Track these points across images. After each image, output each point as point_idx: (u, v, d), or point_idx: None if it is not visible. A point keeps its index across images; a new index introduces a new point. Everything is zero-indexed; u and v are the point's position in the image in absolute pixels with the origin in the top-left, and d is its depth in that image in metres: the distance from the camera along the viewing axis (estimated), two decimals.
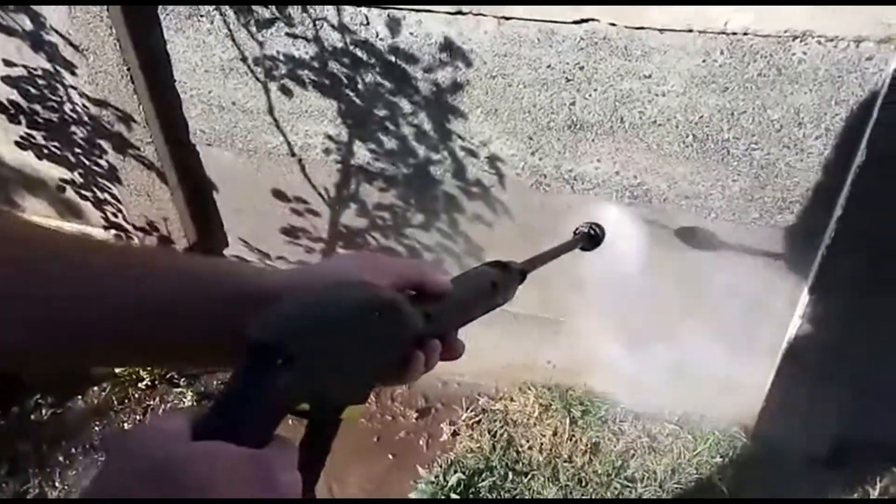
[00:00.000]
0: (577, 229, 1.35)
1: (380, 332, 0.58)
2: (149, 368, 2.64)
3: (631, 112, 1.75)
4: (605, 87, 1.73)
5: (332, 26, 1.85)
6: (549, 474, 2.34)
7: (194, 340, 0.61)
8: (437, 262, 2.29)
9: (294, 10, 1.85)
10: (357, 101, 1.98)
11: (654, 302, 2.14)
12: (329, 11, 1.82)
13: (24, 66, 2.23)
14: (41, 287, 0.56)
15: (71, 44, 2.11)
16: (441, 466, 2.41)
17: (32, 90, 2.29)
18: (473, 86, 1.84)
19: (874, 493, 2.19)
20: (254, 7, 1.88)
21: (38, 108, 2.34)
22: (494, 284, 0.78)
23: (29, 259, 0.56)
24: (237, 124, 2.17)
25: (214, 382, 2.75)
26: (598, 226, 1.33)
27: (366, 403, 0.59)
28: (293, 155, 2.18)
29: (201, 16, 1.95)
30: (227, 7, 1.91)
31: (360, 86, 1.94)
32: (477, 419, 2.56)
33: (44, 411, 2.67)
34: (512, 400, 2.58)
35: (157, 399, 2.71)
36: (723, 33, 1.56)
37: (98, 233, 2.69)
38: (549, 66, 1.74)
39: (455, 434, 2.54)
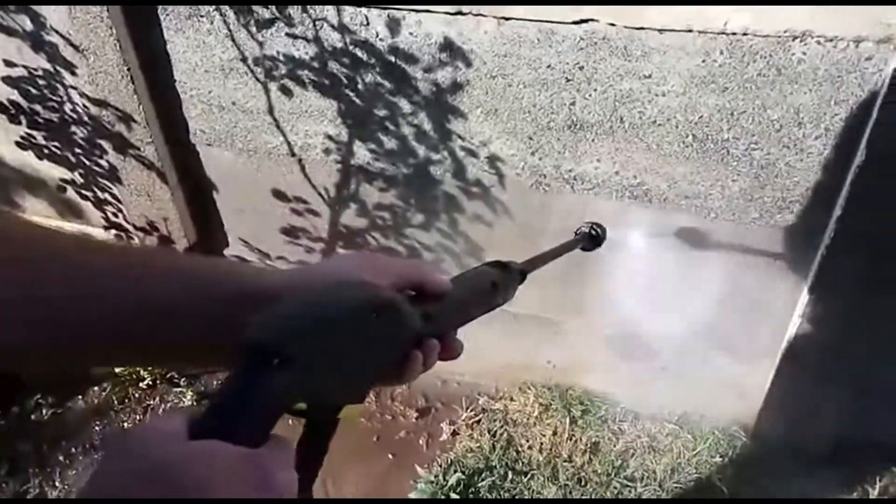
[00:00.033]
0: (578, 229, 1.35)
1: (378, 332, 0.58)
2: (149, 368, 2.64)
3: (631, 112, 1.75)
4: (604, 87, 1.73)
5: (332, 26, 1.85)
6: (548, 474, 2.34)
7: (194, 340, 0.61)
8: (437, 262, 2.30)
9: (294, 11, 1.86)
10: (357, 101, 1.98)
11: (654, 301, 2.14)
12: (329, 11, 1.82)
13: (25, 67, 2.23)
14: (41, 287, 0.56)
15: (71, 44, 2.11)
16: (441, 466, 2.41)
17: (33, 90, 2.29)
18: (473, 86, 1.85)
19: (873, 493, 2.19)
20: (254, 7, 1.89)
21: (38, 108, 2.34)
22: (494, 284, 0.78)
23: (29, 259, 0.56)
24: (237, 124, 2.17)
25: (214, 382, 2.75)
26: (600, 226, 1.33)
27: (364, 403, 0.59)
28: (293, 155, 2.18)
29: (201, 16, 1.95)
30: (227, 7, 1.91)
31: (360, 86, 1.95)
32: (477, 419, 2.57)
33: (44, 411, 2.67)
34: (512, 400, 2.58)
35: (158, 399, 2.71)
36: (722, 33, 1.56)
37: (98, 233, 2.69)
38: (548, 67, 1.74)
39: (455, 434, 2.54)
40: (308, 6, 1.83)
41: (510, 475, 2.35)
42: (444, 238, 2.24)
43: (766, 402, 2.22)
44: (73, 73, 2.19)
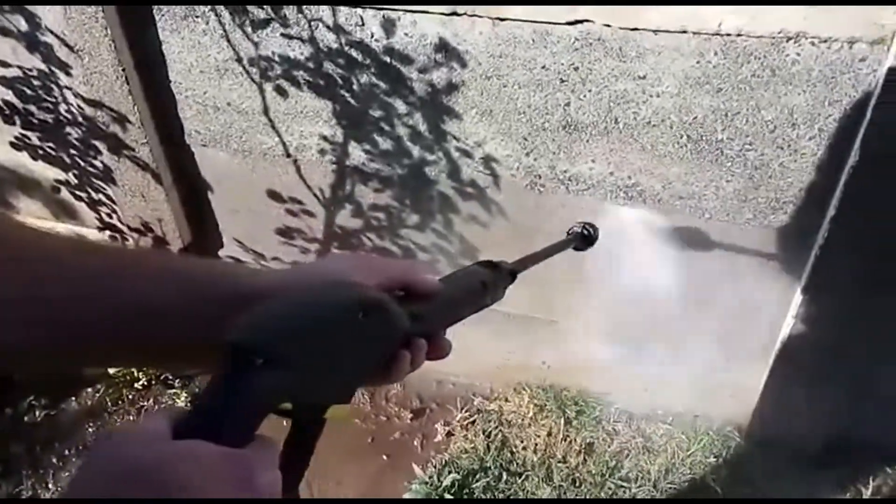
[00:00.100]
0: (570, 229, 1.35)
1: (365, 332, 0.58)
2: (144, 369, 2.63)
3: (625, 113, 1.76)
4: (599, 87, 1.74)
5: (328, 27, 1.85)
6: (543, 475, 2.34)
7: (190, 341, 0.61)
8: (430, 263, 2.30)
9: (289, 11, 1.86)
10: (352, 101, 1.98)
11: (648, 302, 2.14)
12: (324, 12, 1.82)
13: (19, 67, 2.23)
14: (40, 287, 0.56)
15: (66, 44, 2.10)
16: (435, 467, 2.41)
17: (27, 91, 2.29)
18: (468, 86, 1.85)
19: (867, 493, 2.20)
20: (249, 8, 1.89)
21: (33, 108, 2.34)
22: (484, 284, 0.78)
23: (26, 259, 0.57)
24: (232, 125, 2.17)
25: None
26: (592, 225, 1.33)
27: (351, 403, 0.59)
28: (288, 156, 2.18)
29: (196, 16, 1.95)
30: (222, 7, 1.91)
31: (355, 86, 1.95)
32: (471, 420, 2.57)
33: (37, 413, 2.66)
34: (506, 400, 2.58)
35: (152, 400, 2.70)
36: (717, 34, 1.56)
37: (93, 234, 2.69)
38: (543, 67, 1.75)
39: (450, 434, 2.54)
40: (303, 6, 1.83)
41: (505, 476, 2.35)
42: (440, 238, 2.24)
43: (759, 402, 2.22)
44: (68, 74, 2.18)
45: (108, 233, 2.67)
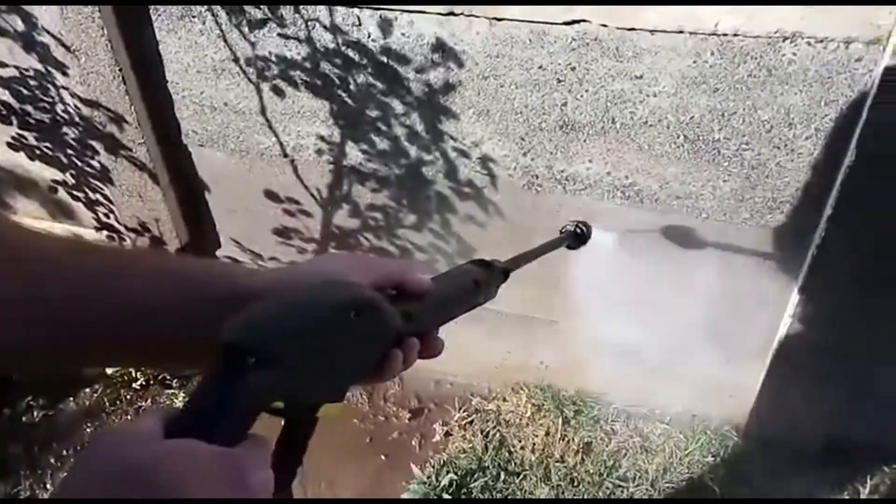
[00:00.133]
0: (563, 228, 1.35)
1: (357, 331, 0.59)
2: (142, 369, 2.63)
3: (622, 112, 1.76)
4: (596, 87, 1.74)
5: (324, 27, 1.85)
6: (541, 474, 2.34)
7: (192, 341, 0.61)
8: (425, 262, 2.30)
9: (286, 11, 1.86)
10: (349, 101, 1.98)
11: (646, 302, 2.15)
12: (321, 12, 1.82)
13: (16, 67, 2.22)
14: (40, 287, 0.56)
15: (62, 44, 2.10)
16: (433, 467, 2.41)
17: (24, 91, 2.28)
18: (465, 86, 1.85)
19: (864, 491, 2.20)
20: (246, 8, 1.88)
21: (29, 108, 2.33)
22: (477, 283, 0.78)
23: (25, 260, 0.57)
24: (229, 125, 2.17)
25: None
26: (585, 224, 1.33)
27: (343, 401, 0.59)
28: (285, 156, 2.18)
29: (193, 16, 1.95)
30: (218, 7, 1.91)
31: (352, 86, 1.95)
32: (469, 419, 2.57)
33: (35, 413, 2.66)
34: (504, 400, 2.58)
35: (150, 400, 2.70)
36: (713, 34, 1.56)
37: (90, 234, 2.68)
38: (540, 67, 1.74)
39: (448, 434, 2.54)
40: (300, 6, 1.83)
41: (503, 476, 2.35)
42: (437, 238, 2.24)
43: (757, 401, 2.23)
44: (65, 74, 2.18)
45: (105, 233, 2.67)
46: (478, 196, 2.08)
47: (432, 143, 2.00)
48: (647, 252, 2.01)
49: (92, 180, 2.49)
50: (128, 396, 2.71)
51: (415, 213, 2.21)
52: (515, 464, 2.40)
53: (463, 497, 2.30)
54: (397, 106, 1.95)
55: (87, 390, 2.73)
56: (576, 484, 2.33)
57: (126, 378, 2.70)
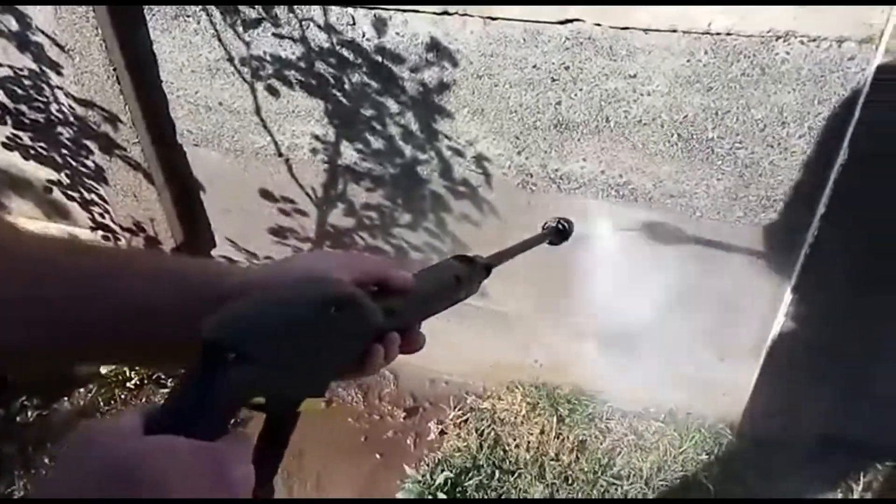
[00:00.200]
0: (545, 224, 1.36)
1: (338, 327, 0.59)
2: (136, 368, 2.63)
3: (616, 111, 1.76)
4: (590, 86, 1.74)
5: (319, 26, 1.85)
6: (535, 472, 2.35)
7: (192, 341, 0.61)
8: (425, 262, 2.30)
9: (280, 11, 1.86)
10: (344, 101, 1.98)
11: (641, 301, 2.15)
12: (315, 11, 1.83)
13: (10, 67, 2.22)
14: (40, 288, 0.56)
15: (57, 44, 2.10)
16: (428, 465, 2.41)
17: (18, 91, 2.28)
18: (460, 85, 1.85)
19: (857, 489, 2.21)
20: (240, 7, 1.89)
21: (24, 108, 2.33)
22: (458, 279, 0.79)
23: (25, 260, 0.57)
24: (224, 124, 2.17)
25: None
26: (567, 220, 1.34)
27: (324, 396, 0.60)
28: (280, 155, 2.18)
29: (188, 16, 1.95)
30: (213, 7, 1.91)
31: (346, 86, 1.95)
32: (464, 418, 2.57)
33: (29, 413, 2.65)
34: (499, 399, 2.59)
35: (144, 399, 2.70)
36: (707, 33, 1.57)
37: (85, 234, 2.68)
38: (534, 66, 1.75)
39: (443, 433, 2.55)
40: (294, 6, 1.83)
41: (497, 474, 2.36)
42: (432, 237, 2.24)
43: (751, 399, 2.23)
44: (59, 74, 2.18)
45: (100, 233, 2.67)
46: (472, 195, 2.09)
47: (427, 143, 2.00)
48: (641, 251, 2.02)
49: (87, 180, 2.49)
50: (122, 396, 2.70)
51: (410, 212, 2.21)
52: (510, 462, 2.40)
53: (458, 496, 2.31)
54: (392, 105, 1.95)
55: (82, 390, 2.72)
56: (570, 482, 2.33)
57: (120, 377, 2.70)
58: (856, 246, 1.75)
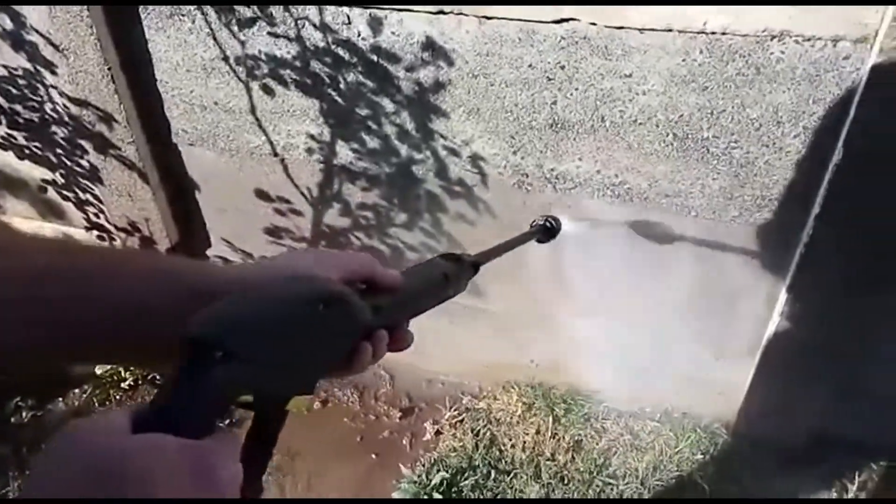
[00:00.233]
0: (533, 222, 1.37)
1: (326, 325, 0.59)
2: (130, 369, 2.63)
3: (612, 111, 1.76)
4: (586, 86, 1.74)
5: (314, 26, 1.85)
6: (531, 472, 2.35)
7: None
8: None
9: (276, 10, 1.86)
10: (339, 100, 1.98)
11: (636, 300, 2.15)
12: (311, 11, 1.82)
13: (4, 66, 2.22)
14: (40, 288, 0.56)
15: (51, 43, 2.10)
16: (424, 465, 2.41)
17: (13, 90, 2.28)
18: (455, 85, 1.85)
19: (852, 488, 2.21)
20: (235, 6, 1.88)
21: (18, 108, 2.33)
22: (446, 276, 0.80)
23: (23, 261, 0.57)
24: (219, 124, 2.16)
25: None
26: (555, 218, 1.35)
27: (313, 394, 0.60)
28: (276, 155, 2.18)
29: (182, 15, 1.95)
30: (208, 6, 1.90)
31: (342, 85, 1.95)
32: (460, 418, 2.57)
33: (24, 414, 2.64)
34: (495, 399, 2.59)
35: (139, 400, 2.69)
36: (702, 33, 1.57)
37: (80, 233, 2.68)
38: (530, 66, 1.75)
39: (438, 433, 2.54)
40: (290, 5, 1.83)
41: (493, 474, 2.35)
42: (427, 237, 2.24)
43: (746, 399, 2.23)
44: (54, 73, 2.18)
45: (95, 232, 2.66)
46: (468, 195, 2.08)
47: (422, 142, 2.00)
48: (636, 250, 2.02)
49: (81, 180, 2.48)
50: (117, 396, 2.70)
51: (405, 212, 2.21)
52: (506, 462, 2.40)
53: (454, 496, 2.30)
54: (387, 105, 1.95)
55: (77, 391, 2.72)
56: (566, 482, 2.33)
57: (115, 378, 2.69)
58: (851, 245, 1.75)
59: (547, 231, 1.35)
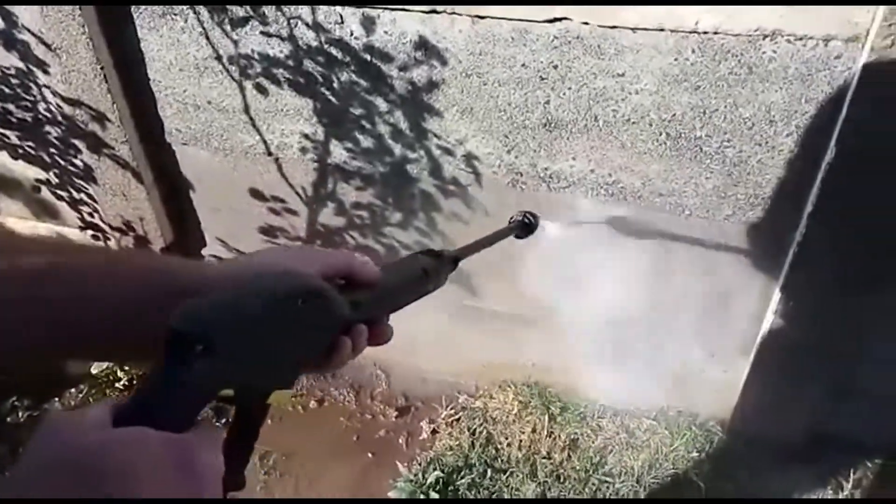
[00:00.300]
0: (512, 218, 1.38)
1: (305, 319, 0.60)
2: (126, 368, 2.63)
3: (605, 110, 1.76)
4: (578, 85, 1.74)
5: (307, 25, 1.84)
6: (527, 471, 2.35)
7: None
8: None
9: (268, 9, 1.85)
10: (333, 99, 1.98)
11: (631, 299, 2.15)
12: (303, 10, 1.82)
13: None
14: (40, 288, 0.57)
15: (43, 42, 2.09)
16: (420, 464, 2.41)
17: (5, 89, 2.27)
18: (449, 84, 1.85)
19: (847, 486, 2.22)
20: (227, 6, 1.88)
21: (11, 107, 2.32)
22: (426, 271, 0.81)
23: (22, 261, 0.57)
24: (213, 123, 2.16)
25: None
26: (533, 214, 1.36)
27: (293, 388, 0.61)
28: (270, 154, 2.18)
29: (175, 14, 1.94)
30: (200, 6, 1.90)
31: (335, 84, 1.94)
32: (456, 417, 2.57)
33: (20, 413, 2.64)
34: (491, 397, 2.59)
35: None
36: (694, 32, 1.57)
37: (74, 233, 2.67)
38: (523, 65, 1.75)
39: (434, 432, 2.55)
40: (282, 5, 1.82)
41: (489, 472, 2.36)
42: (422, 236, 2.24)
43: (741, 397, 2.24)
44: (46, 72, 2.17)
45: (89, 232, 2.66)
46: (462, 194, 2.08)
47: (416, 141, 2.00)
48: (631, 250, 2.02)
49: (75, 179, 2.48)
50: (113, 396, 2.69)
51: (400, 211, 2.21)
52: (502, 461, 2.40)
53: (450, 494, 2.30)
54: (381, 104, 1.94)
55: (73, 390, 2.72)
56: (562, 480, 2.33)
57: (111, 378, 2.69)
58: (844, 244, 1.75)
59: (525, 227, 1.36)
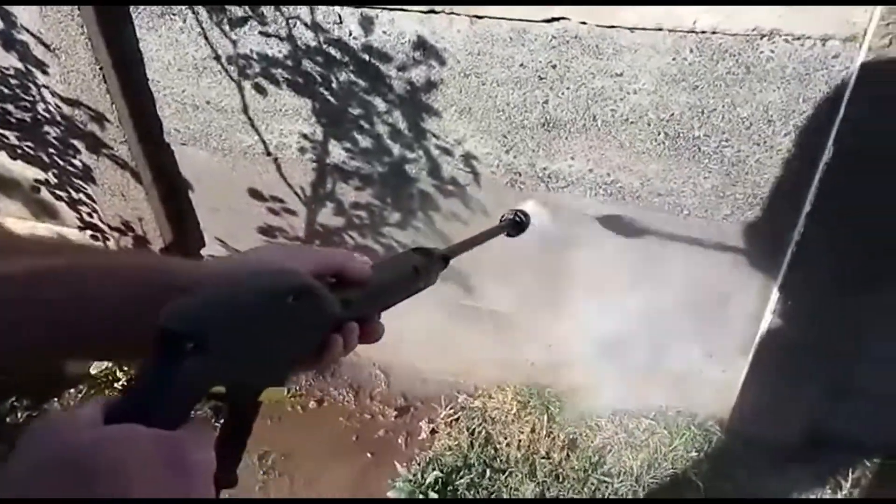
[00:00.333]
0: (503, 216, 1.38)
1: (296, 317, 0.60)
2: (125, 368, 2.63)
3: (603, 110, 1.76)
4: (577, 85, 1.74)
5: (306, 25, 1.84)
6: (526, 471, 2.35)
7: None
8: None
9: (267, 9, 1.85)
10: (331, 99, 1.98)
11: (630, 299, 2.15)
12: (302, 10, 1.82)
13: None
14: (39, 288, 0.57)
15: (42, 43, 2.09)
16: (419, 464, 2.41)
17: (4, 90, 2.27)
18: (447, 84, 1.85)
19: (846, 485, 2.22)
20: (226, 6, 1.88)
21: (10, 107, 2.32)
22: (416, 270, 0.81)
23: (22, 261, 0.57)
24: (211, 123, 2.16)
25: None
26: (524, 213, 1.36)
27: (285, 385, 0.61)
28: (268, 154, 2.18)
29: (174, 14, 1.95)
30: (199, 6, 1.90)
31: (334, 84, 1.94)
32: (455, 417, 2.57)
33: (19, 414, 2.64)
34: (490, 397, 2.59)
35: None
36: (692, 32, 1.57)
37: (73, 233, 2.67)
38: (521, 65, 1.75)
39: (434, 432, 2.55)
40: (281, 5, 1.83)
41: (488, 472, 2.36)
42: (421, 236, 2.24)
43: (740, 397, 2.24)
44: (45, 73, 2.17)
45: (88, 232, 2.66)
46: (461, 193, 2.08)
47: (415, 141, 2.00)
48: (629, 249, 2.02)
49: (74, 179, 2.48)
50: (112, 396, 2.69)
51: (398, 211, 2.21)
52: (501, 461, 2.40)
53: (449, 495, 2.31)
54: (379, 104, 1.95)
55: (72, 390, 2.72)
56: (561, 480, 2.33)
57: (110, 378, 2.69)
58: (842, 244, 1.76)
59: (516, 225, 1.36)
